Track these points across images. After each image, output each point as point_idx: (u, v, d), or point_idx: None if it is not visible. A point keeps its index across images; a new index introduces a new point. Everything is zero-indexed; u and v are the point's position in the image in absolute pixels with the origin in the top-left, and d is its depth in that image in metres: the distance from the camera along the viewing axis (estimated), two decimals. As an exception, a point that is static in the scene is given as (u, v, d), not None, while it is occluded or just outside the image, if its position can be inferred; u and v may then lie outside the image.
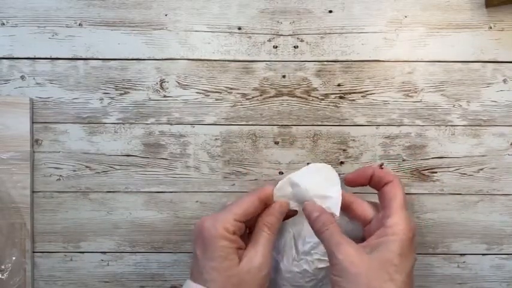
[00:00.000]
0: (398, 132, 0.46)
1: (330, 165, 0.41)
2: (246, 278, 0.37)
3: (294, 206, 0.41)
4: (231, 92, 0.46)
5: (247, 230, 0.41)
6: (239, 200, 0.40)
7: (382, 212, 0.38)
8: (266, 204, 0.40)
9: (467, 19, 0.45)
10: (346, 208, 0.41)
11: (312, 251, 0.40)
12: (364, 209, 0.40)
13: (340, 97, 0.45)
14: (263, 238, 0.39)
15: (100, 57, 0.45)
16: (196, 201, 0.46)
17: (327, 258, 0.38)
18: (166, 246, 0.46)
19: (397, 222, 0.36)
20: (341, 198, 0.39)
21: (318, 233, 0.38)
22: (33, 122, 0.45)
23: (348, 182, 0.41)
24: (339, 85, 0.45)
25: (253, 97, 0.46)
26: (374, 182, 0.40)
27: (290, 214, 0.41)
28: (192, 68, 0.45)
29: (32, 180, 0.45)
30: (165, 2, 0.45)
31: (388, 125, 0.46)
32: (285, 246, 0.41)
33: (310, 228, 0.39)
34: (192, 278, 0.38)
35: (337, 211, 0.39)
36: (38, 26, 0.45)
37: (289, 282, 0.40)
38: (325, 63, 0.45)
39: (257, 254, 0.38)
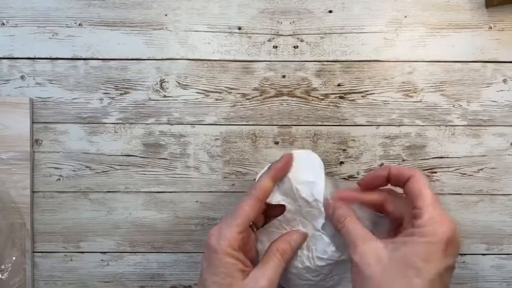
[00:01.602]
0: (398, 132, 0.46)
1: (311, 151, 0.40)
2: None
3: (279, 199, 0.40)
4: (231, 92, 0.46)
5: (255, 228, 0.41)
6: (239, 207, 0.38)
7: (413, 212, 0.35)
8: (265, 199, 0.39)
9: (467, 19, 0.45)
10: (378, 209, 0.39)
11: (313, 247, 0.39)
12: (397, 207, 0.37)
13: (340, 97, 0.45)
14: (273, 263, 0.38)
15: (100, 57, 0.45)
16: (196, 201, 0.46)
17: (325, 256, 0.38)
18: (166, 246, 0.46)
19: (427, 222, 0.33)
20: (323, 183, 0.38)
21: (336, 231, 0.37)
22: (33, 122, 0.45)
23: (362, 188, 0.39)
24: (339, 85, 0.45)
25: (253, 97, 0.46)
26: (394, 182, 0.38)
27: (277, 213, 0.40)
28: (192, 68, 0.45)
29: (32, 180, 0.45)
30: (165, 2, 0.45)
31: (388, 125, 0.46)
32: None
33: (312, 221, 0.39)
34: None
35: (320, 197, 0.38)
36: (38, 26, 0.45)
37: (297, 276, 0.40)
38: (325, 63, 0.45)
39: (263, 277, 0.37)
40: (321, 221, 0.39)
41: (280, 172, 0.39)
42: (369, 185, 0.39)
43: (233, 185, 0.46)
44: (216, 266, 0.37)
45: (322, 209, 0.38)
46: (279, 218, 0.40)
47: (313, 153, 0.40)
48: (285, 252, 0.38)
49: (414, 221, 0.33)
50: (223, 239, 0.37)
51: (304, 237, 0.39)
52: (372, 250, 0.33)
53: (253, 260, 0.39)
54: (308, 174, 0.39)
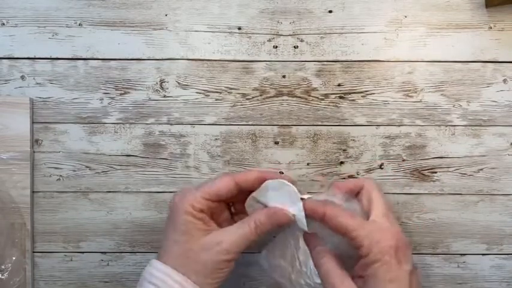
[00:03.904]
0: (398, 132, 0.46)
1: (285, 181, 0.38)
2: (202, 255, 0.36)
3: None
4: (231, 92, 0.46)
5: (233, 210, 0.41)
6: (215, 178, 0.39)
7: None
8: (243, 188, 0.39)
9: (467, 19, 0.45)
10: (321, 222, 0.36)
11: (310, 265, 0.39)
12: (340, 220, 0.35)
13: (340, 97, 0.45)
14: (242, 230, 0.37)
15: (100, 57, 0.45)
16: (196, 201, 0.46)
17: None
18: (166, 246, 0.46)
19: (369, 247, 0.33)
20: (303, 213, 0.36)
21: (315, 267, 0.37)
22: (33, 122, 0.45)
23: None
24: (339, 85, 0.45)
25: (253, 97, 0.46)
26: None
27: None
28: (192, 68, 0.45)
29: (32, 180, 0.45)
30: (165, 2, 0.45)
31: (388, 125, 0.46)
32: (291, 257, 0.41)
33: (289, 250, 0.39)
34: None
35: (304, 227, 0.37)
36: (38, 26, 0.45)
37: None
38: (325, 63, 0.45)
39: (225, 238, 0.36)
40: None
41: (269, 175, 0.39)
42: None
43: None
44: (175, 223, 0.37)
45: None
46: (284, 230, 0.40)
47: (286, 182, 0.38)
48: (261, 224, 0.37)
49: (360, 249, 0.34)
50: (186, 198, 0.37)
51: (288, 219, 0.37)
52: None
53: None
54: (290, 207, 0.37)
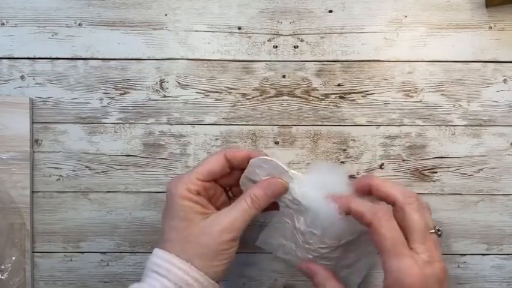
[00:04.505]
0: (398, 132, 0.46)
1: (267, 156, 0.39)
2: (204, 238, 0.35)
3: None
4: (231, 92, 0.46)
5: (230, 195, 0.41)
6: (206, 158, 0.39)
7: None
8: (235, 166, 0.39)
9: (467, 19, 0.45)
10: (369, 193, 0.37)
11: (310, 241, 0.40)
12: (388, 189, 0.36)
13: (340, 97, 0.45)
14: (240, 207, 0.36)
15: (100, 57, 0.45)
16: (196, 201, 0.46)
17: (324, 245, 0.39)
18: (166, 246, 0.46)
19: (396, 271, 0.33)
20: (294, 182, 0.38)
21: None
22: (33, 122, 0.45)
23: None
24: (339, 85, 0.45)
25: (253, 97, 0.46)
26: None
27: (272, 208, 0.40)
28: (192, 68, 0.45)
29: (31, 180, 0.45)
30: (165, 2, 0.45)
31: (389, 125, 0.45)
32: (291, 235, 0.41)
33: (302, 217, 0.39)
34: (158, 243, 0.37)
35: (297, 196, 0.38)
36: (38, 26, 0.45)
37: (315, 259, 0.41)
38: (325, 63, 0.45)
39: (224, 217, 0.36)
40: (308, 217, 0.39)
41: (254, 154, 0.39)
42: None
43: (233, 185, 0.46)
44: (173, 210, 0.36)
45: (305, 205, 0.38)
46: (277, 213, 0.40)
47: (268, 158, 0.39)
48: (257, 198, 0.37)
49: (385, 275, 0.33)
50: (181, 183, 0.36)
51: (284, 187, 0.38)
52: None
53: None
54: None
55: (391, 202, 0.36)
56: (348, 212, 0.36)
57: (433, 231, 0.35)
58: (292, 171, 0.39)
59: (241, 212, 0.36)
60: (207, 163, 0.38)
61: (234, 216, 0.36)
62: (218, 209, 0.38)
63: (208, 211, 0.37)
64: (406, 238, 0.34)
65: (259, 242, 0.43)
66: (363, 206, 0.35)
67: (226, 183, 0.41)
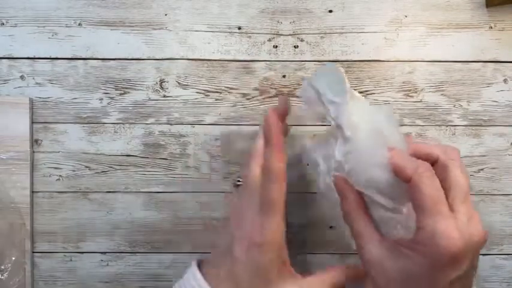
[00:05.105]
0: (398, 132, 0.45)
1: (339, 67, 0.36)
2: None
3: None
4: (231, 92, 0.45)
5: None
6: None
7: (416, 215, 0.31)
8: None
9: (467, 19, 0.45)
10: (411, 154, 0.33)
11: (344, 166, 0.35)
12: (430, 149, 0.33)
13: (340, 97, 0.45)
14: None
15: (100, 57, 0.45)
16: (196, 201, 0.46)
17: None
18: (166, 246, 0.46)
19: (425, 239, 0.30)
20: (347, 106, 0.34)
21: (346, 223, 0.35)
22: (32, 122, 0.45)
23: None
24: (339, 85, 0.45)
25: (253, 97, 0.46)
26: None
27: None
28: (192, 68, 0.45)
29: (31, 180, 0.45)
30: (165, 2, 0.45)
31: (388, 125, 0.45)
32: (328, 157, 0.37)
33: (330, 150, 0.36)
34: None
35: (342, 121, 0.34)
36: (38, 26, 0.45)
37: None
38: (326, 63, 0.45)
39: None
40: (342, 148, 0.35)
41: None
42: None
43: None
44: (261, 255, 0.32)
45: (348, 136, 0.34)
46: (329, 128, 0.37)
47: (336, 67, 0.35)
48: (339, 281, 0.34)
49: (416, 231, 0.30)
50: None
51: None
52: (376, 259, 0.32)
53: None
54: (332, 94, 0.35)
55: (433, 160, 0.33)
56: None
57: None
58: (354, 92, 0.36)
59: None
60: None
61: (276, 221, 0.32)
62: None
63: (286, 270, 0.33)
64: (447, 198, 0.31)
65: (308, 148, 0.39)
66: (404, 159, 0.32)
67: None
